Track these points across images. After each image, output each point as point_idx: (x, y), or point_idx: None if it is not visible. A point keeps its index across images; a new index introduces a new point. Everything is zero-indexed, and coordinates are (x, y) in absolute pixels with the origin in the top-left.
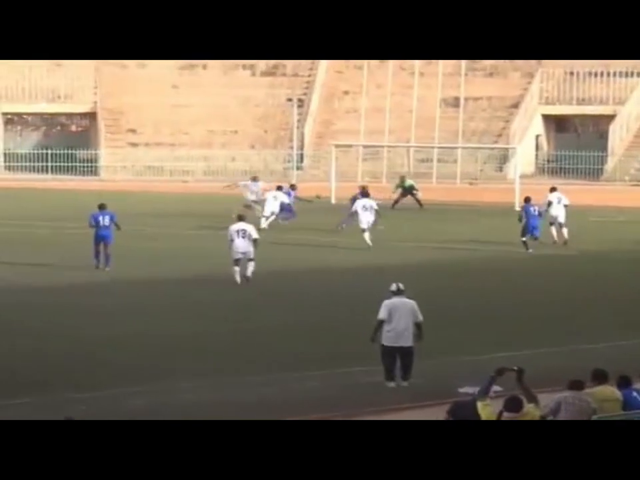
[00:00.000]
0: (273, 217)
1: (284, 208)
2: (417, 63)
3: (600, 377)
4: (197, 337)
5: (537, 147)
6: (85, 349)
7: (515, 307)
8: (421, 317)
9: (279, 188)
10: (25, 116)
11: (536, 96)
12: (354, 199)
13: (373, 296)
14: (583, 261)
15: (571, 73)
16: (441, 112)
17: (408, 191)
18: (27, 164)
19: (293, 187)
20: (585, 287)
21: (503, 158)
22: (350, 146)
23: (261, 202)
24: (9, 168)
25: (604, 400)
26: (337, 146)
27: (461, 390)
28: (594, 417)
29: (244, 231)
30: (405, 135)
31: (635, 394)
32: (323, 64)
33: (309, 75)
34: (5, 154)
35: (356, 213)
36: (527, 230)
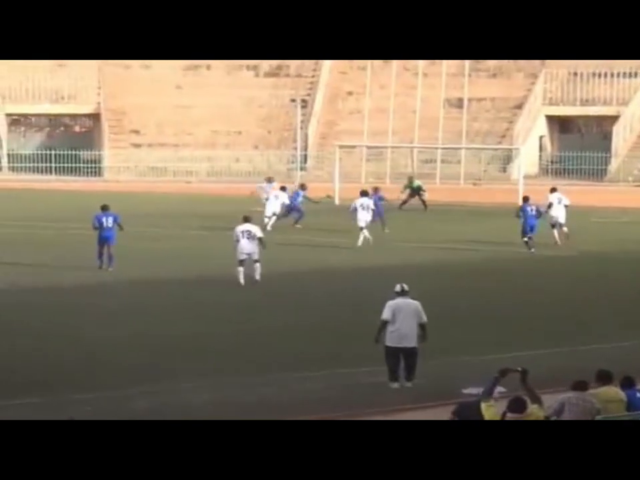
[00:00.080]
0: (274, 218)
1: (293, 209)
2: (421, 64)
3: (604, 378)
4: (199, 338)
5: (541, 148)
6: (86, 350)
7: (518, 308)
8: (425, 318)
9: (283, 189)
10: (28, 117)
11: (539, 97)
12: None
13: (376, 296)
14: (585, 262)
15: (575, 74)
16: (444, 112)
17: (416, 191)
18: (31, 165)
19: (302, 186)
20: (588, 287)
21: (507, 159)
22: (354, 147)
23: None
24: (12, 169)
25: (608, 401)
26: (341, 147)
27: (465, 391)
28: (598, 418)
29: (249, 232)
30: (409, 136)
31: (639, 395)
32: (327, 65)
33: (313, 76)
34: (8, 155)
35: (355, 211)
36: (525, 230)
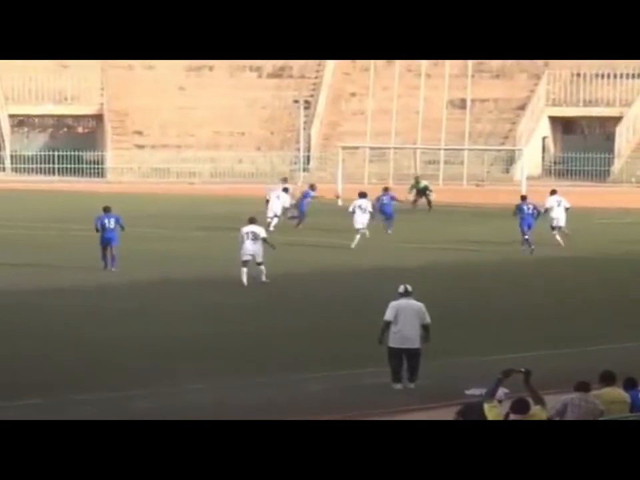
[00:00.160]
0: (276, 219)
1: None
2: (424, 65)
3: (608, 379)
4: (200, 339)
5: (544, 149)
6: (88, 351)
7: (521, 308)
8: (428, 319)
9: (285, 190)
10: (31, 118)
11: (542, 98)
12: (378, 199)
13: (379, 297)
14: (588, 263)
15: (578, 75)
16: (447, 113)
17: (422, 191)
18: (34, 166)
19: (312, 187)
20: (591, 288)
21: (510, 160)
22: (356, 148)
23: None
24: (15, 170)
25: (611, 402)
26: (344, 148)
27: (468, 392)
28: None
29: (254, 233)
30: (412, 137)
31: None
32: (330, 66)
33: (316, 77)
34: (11, 156)
35: (353, 213)
36: (523, 228)
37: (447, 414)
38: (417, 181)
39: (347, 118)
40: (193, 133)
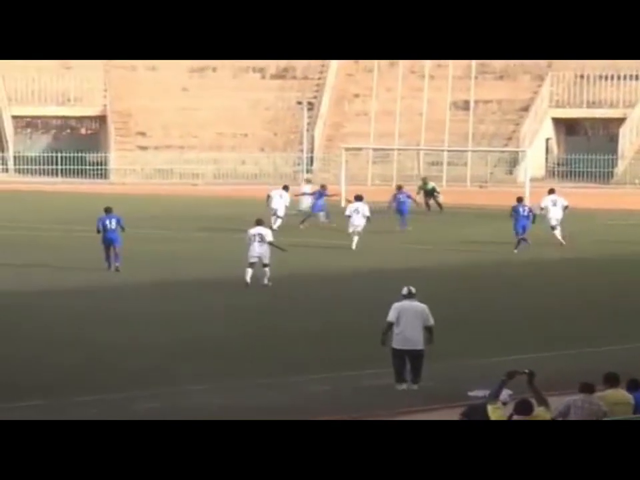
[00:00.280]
0: (280, 220)
1: (316, 208)
2: (427, 66)
3: (612, 380)
4: (204, 340)
5: (547, 150)
6: (90, 352)
7: (525, 310)
8: (431, 321)
9: (285, 188)
10: (34, 119)
11: (546, 99)
12: (395, 197)
13: (382, 299)
14: (592, 264)
15: (581, 76)
16: (451, 115)
17: (430, 193)
18: (37, 167)
19: (323, 187)
20: (595, 289)
21: (513, 161)
22: (360, 149)
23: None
24: (18, 171)
25: (615, 403)
26: (347, 149)
27: (471, 393)
28: None
29: (260, 235)
30: (415, 138)
31: None
32: (333, 67)
33: (319, 78)
34: (14, 157)
35: (349, 217)
36: (517, 230)
37: (450, 415)
38: (425, 182)
39: (350, 119)
40: (196, 134)
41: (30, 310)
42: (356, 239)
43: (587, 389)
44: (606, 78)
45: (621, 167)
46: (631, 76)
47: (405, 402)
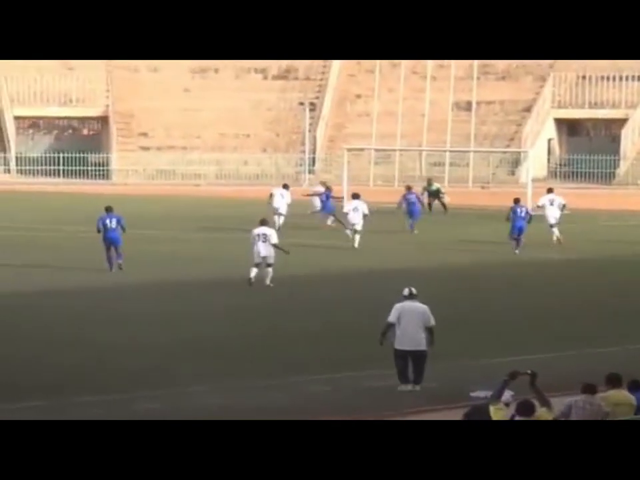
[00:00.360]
0: (282, 218)
1: (327, 209)
2: (429, 67)
3: (614, 381)
4: (205, 340)
5: (549, 151)
6: (91, 352)
7: (527, 310)
8: (433, 322)
9: (285, 186)
10: (37, 120)
11: (548, 100)
12: (404, 197)
13: (383, 299)
14: (594, 264)
15: (583, 77)
16: (453, 115)
17: (434, 194)
18: (39, 167)
19: (329, 189)
20: (596, 290)
21: (515, 162)
22: (362, 150)
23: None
24: (20, 171)
25: (617, 404)
26: (349, 150)
27: (473, 394)
28: None
29: (265, 235)
30: (417, 139)
31: None
32: (335, 67)
33: (321, 79)
34: (16, 157)
35: (347, 214)
36: (512, 230)
37: (453, 416)
38: (429, 183)
39: (352, 120)
40: (198, 134)
41: (30, 310)
42: (357, 237)
43: (589, 389)
44: (608, 79)
45: (622, 167)
46: (633, 77)
47: (406, 403)
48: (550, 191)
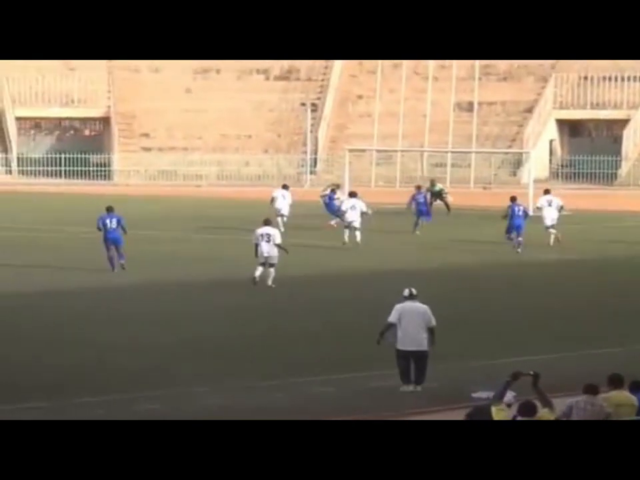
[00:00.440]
0: (285, 219)
1: (333, 210)
2: (431, 68)
3: (616, 382)
4: (206, 341)
5: (551, 152)
6: (91, 353)
7: (528, 311)
8: (433, 322)
9: (285, 187)
10: (38, 120)
11: (550, 100)
12: (413, 197)
13: (384, 299)
14: (595, 265)
15: (585, 78)
16: (454, 116)
17: (437, 195)
18: (40, 168)
19: (334, 190)
20: (598, 290)
21: (517, 162)
22: (363, 150)
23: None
24: (22, 172)
25: (619, 405)
26: (351, 150)
27: (474, 395)
28: None
29: (268, 235)
30: (419, 140)
31: None
32: (337, 68)
33: (323, 79)
34: (18, 158)
35: (344, 212)
36: (510, 229)
37: (455, 417)
38: (432, 184)
39: (353, 120)
40: (200, 135)
41: (31, 310)
42: (358, 233)
43: (591, 390)
44: (610, 79)
45: (624, 168)
46: (635, 77)
47: (408, 403)
48: (547, 192)
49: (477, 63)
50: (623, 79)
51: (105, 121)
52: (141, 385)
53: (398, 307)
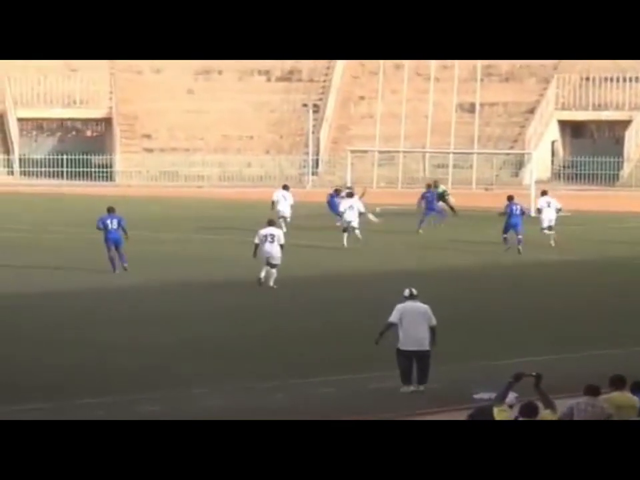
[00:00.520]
0: (287, 220)
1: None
2: (433, 69)
3: (617, 383)
4: (207, 341)
5: (553, 153)
6: (92, 354)
7: (530, 312)
8: (434, 321)
9: (285, 187)
10: (40, 121)
11: (552, 101)
12: (423, 196)
13: (385, 299)
14: (597, 266)
15: (587, 79)
16: (456, 117)
17: (440, 196)
18: (42, 169)
19: (337, 191)
20: (599, 291)
21: (519, 163)
22: (365, 151)
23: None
24: (24, 173)
25: (620, 406)
26: (353, 151)
27: (476, 396)
28: None
29: (272, 236)
30: (421, 141)
31: None
32: (339, 69)
33: (325, 80)
34: (20, 159)
35: (343, 213)
36: (508, 228)
37: (456, 417)
38: (436, 185)
39: (355, 121)
40: (202, 136)
41: (32, 311)
42: (357, 232)
43: (591, 391)
44: (611, 80)
45: (626, 169)
46: (636, 78)
47: (408, 404)
48: (544, 193)
49: (479, 63)
50: (624, 80)
51: (107, 121)
52: (141, 386)
53: (399, 306)
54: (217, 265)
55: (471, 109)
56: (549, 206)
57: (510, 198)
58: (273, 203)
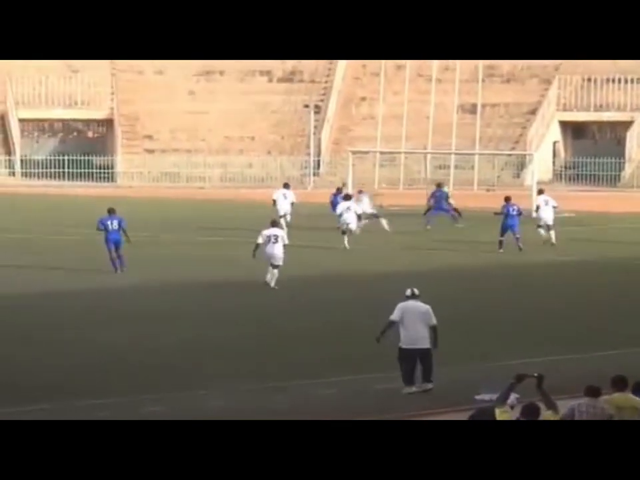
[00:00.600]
0: (288, 217)
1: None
2: (434, 70)
3: (619, 384)
4: (208, 342)
5: (554, 154)
6: (93, 354)
7: (532, 313)
8: (434, 321)
9: (286, 186)
10: (41, 122)
11: (553, 102)
12: (432, 194)
13: (385, 300)
14: (599, 267)
15: (589, 80)
16: (458, 118)
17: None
18: (44, 170)
19: (339, 190)
20: (601, 292)
21: (520, 164)
22: (367, 152)
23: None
24: (25, 174)
25: (622, 407)
26: (354, 152)
27: (477, 397)
28: None
29: (276, 236)
30: (422, 142)
31: None
32: (340, 70)
33: (326, 81)
34: (21, 160)
35: (340, 215)
36: (505, 229)
37: (458, 418)
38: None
39: (357, 122)
40: (203, 137)
41: (32, 311)
42: (357, 231)
43: (592, 392)
44: (613, 81)
45: (628, 170)
46: (638, 79)
47: (410, 405)
48: (541, 192)
49: (480, 64)
50: (626, 81)
51: (108, 122)
52: (141, 386)
53: (400, 305)
54: (218, 265)
55: (473, 109)
56: (546, 204)
57: (507, 199)
58: (273, 201)
